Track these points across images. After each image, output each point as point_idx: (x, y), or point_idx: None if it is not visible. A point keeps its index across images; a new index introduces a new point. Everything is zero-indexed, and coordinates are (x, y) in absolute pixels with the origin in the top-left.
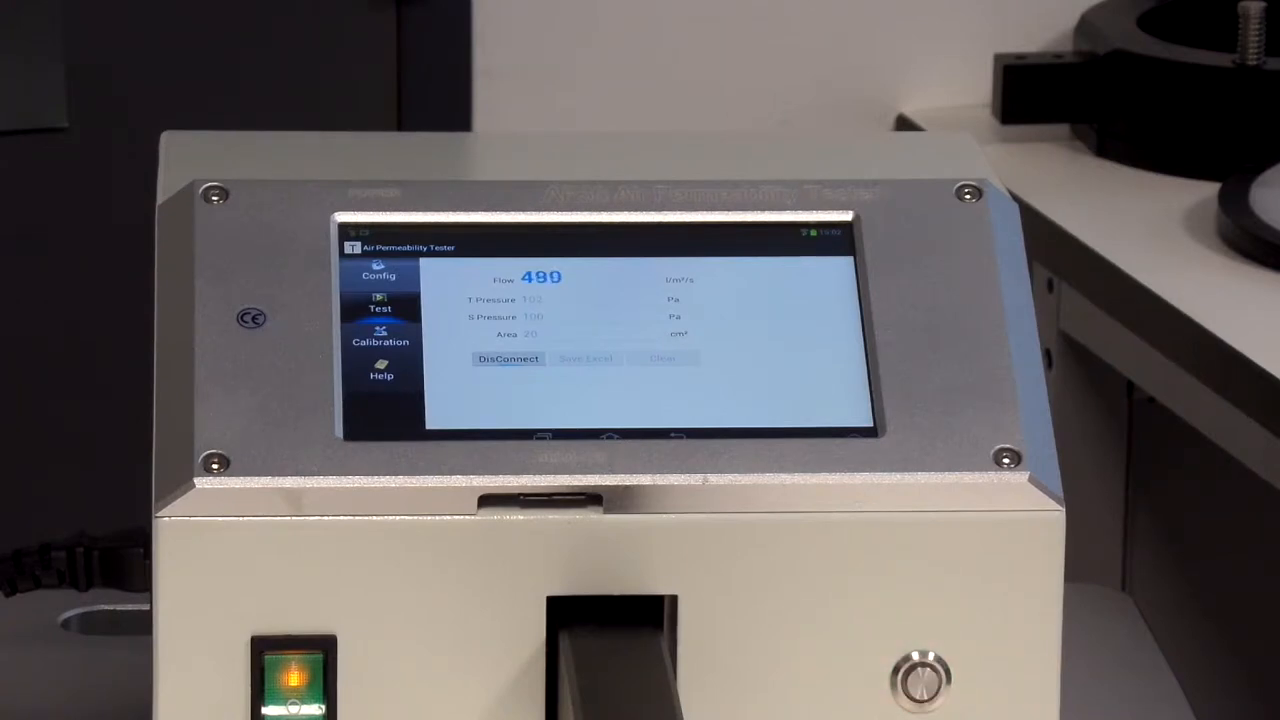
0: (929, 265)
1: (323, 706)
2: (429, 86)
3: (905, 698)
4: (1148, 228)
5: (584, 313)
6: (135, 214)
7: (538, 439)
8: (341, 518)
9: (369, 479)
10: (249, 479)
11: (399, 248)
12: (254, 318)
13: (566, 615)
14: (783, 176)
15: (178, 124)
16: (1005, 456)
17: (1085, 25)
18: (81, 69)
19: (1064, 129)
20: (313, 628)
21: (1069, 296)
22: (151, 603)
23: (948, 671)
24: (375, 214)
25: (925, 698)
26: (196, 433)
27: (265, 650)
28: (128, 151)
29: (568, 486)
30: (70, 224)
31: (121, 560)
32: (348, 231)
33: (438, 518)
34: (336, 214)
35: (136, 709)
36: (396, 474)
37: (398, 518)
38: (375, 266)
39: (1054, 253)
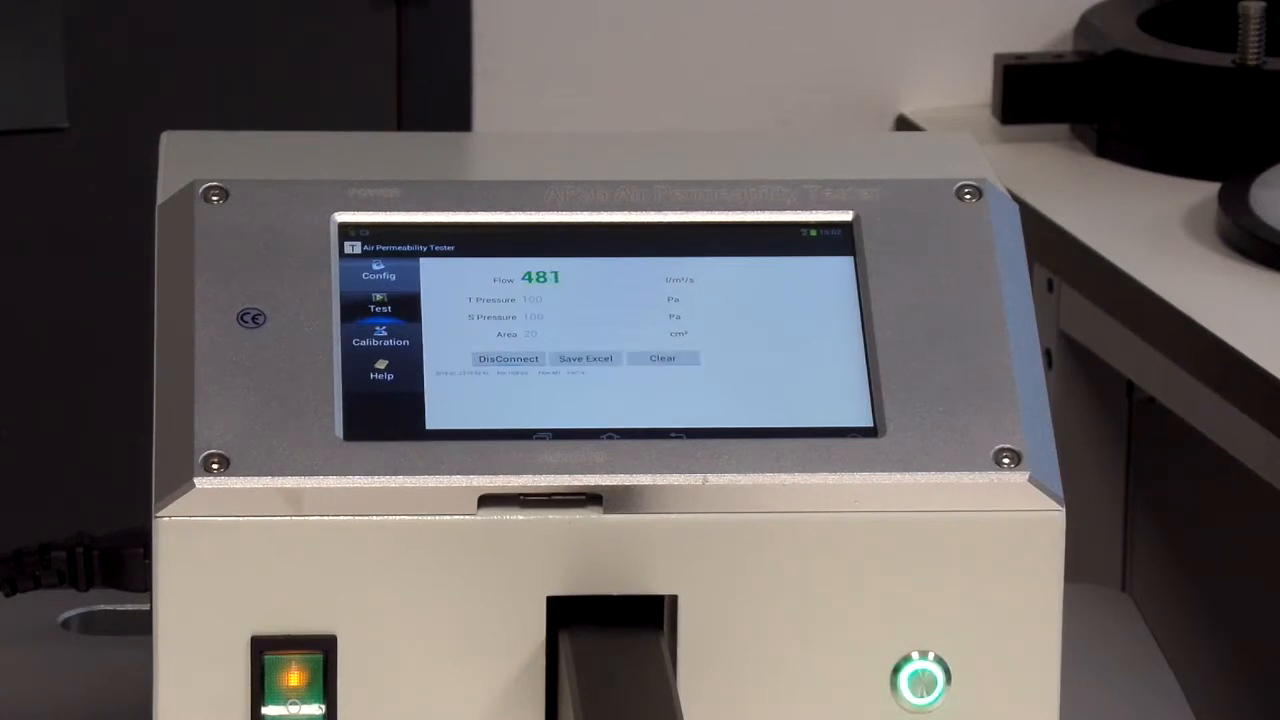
0: (929, 265)
1: (323, 706)
2: (429, 86)
3: (905, 697)
4: (1148, 228)
5: (584, 313)
6: (135, 214)
7: (538, 439)
8: (341, 518)
9: (369, 479)
10: (249, 479)
11: (399, 248)
12: (254, 317)
13: (567, 615)
14: (783, 176)
15: (178, 124)
16: (1005, 456)
17: (1085, 25)
18: (82, 69)
19: (1064, 129)
20: (313, 628)
21: (1069, 296)
22: (151, 603)
23: (948, 671)
24: (375, 214)
25: (925, 698)
26: (196, 432)
27: (265, 650)
28: (128, 151)
29: (568, 486)
30: (71, 224)
31: (122, 560)
32: (348, 231)
33: (438, 518)
34: (336, 214)
35: (137, 709)
36: (396, 474)
37: (398, 518)
38: (375, 266)
39: (1054, 253)
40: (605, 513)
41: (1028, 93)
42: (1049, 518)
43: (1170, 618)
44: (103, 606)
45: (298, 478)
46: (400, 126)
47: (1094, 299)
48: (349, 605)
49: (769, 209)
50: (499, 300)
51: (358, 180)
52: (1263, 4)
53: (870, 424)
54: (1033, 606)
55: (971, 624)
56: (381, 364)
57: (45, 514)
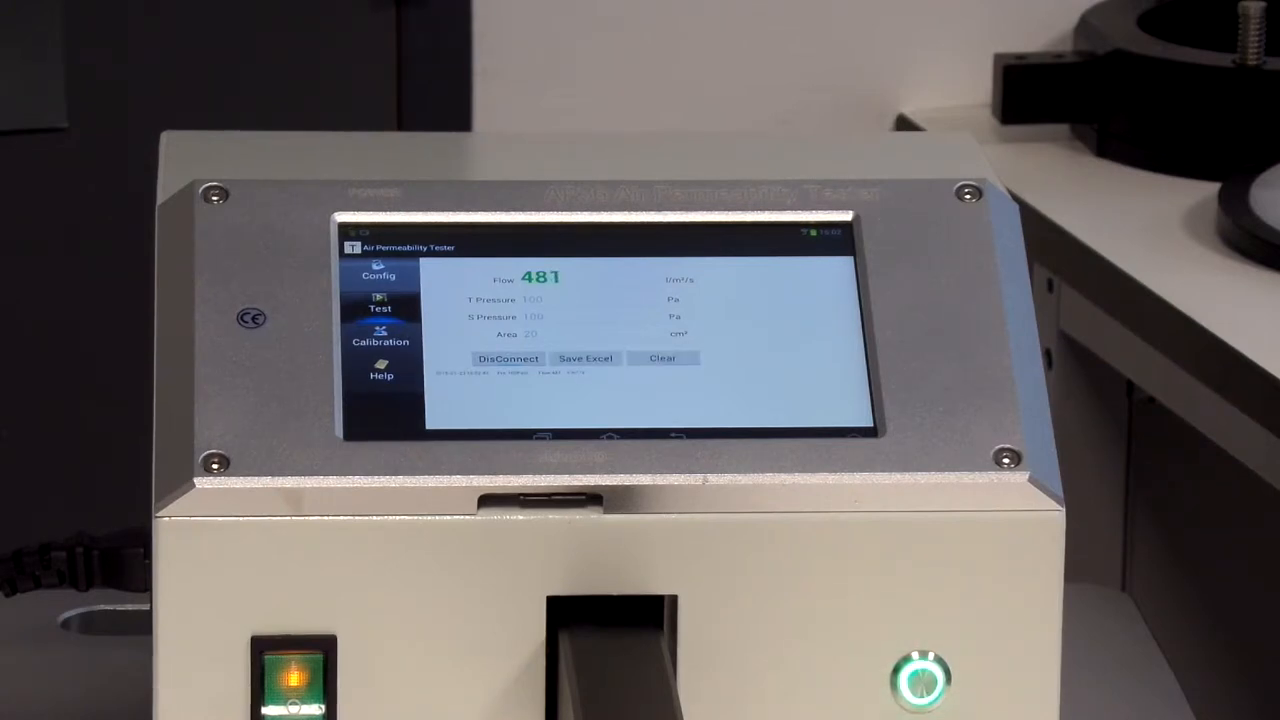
0: (929, 265)
1: (322, 706)
2: (429, 86)
3: (905, 697)
4: (1148, 228)
5: (584, 313)
6: (135, 214)
7: (538, 439)
8: (341, 518)
9: (369, 479)
10: (249, 479)
11: (399, 248)
12: (254, 317)
13: (567, 615)
14: (783, 176)
15: (178, 124)
16: (1005, 456)
17: (1085, 25)
18: (82, 69)
19: (1064, 129)
20: (313, 628)
21: (1069, 296)
22: (151, 603)
23: (948, 671)
24: (375, 214)
25: (925, 698)
26: (196, 432)
27: (265, 650)
28: (128, 151)
29: (568, 486)
30: (71, 224)
31: (122, 560)
32: (348, 231)
33: (438, 518)
34: (336, 214)
35: (137, 709)
36: (396, 474)
37: (398, 518)
38: (375, 266)
39: (1054, 253)
40: (605, 513)
41: (1028, 93)
42: (1049, 518)
43: (1170, 618)
44: (103, 606)
45: (298, 478)
46: (400, 126)
47: (1094, 299)
48: (349, 605)
49: (769, 209)
50: (499, 300)
51: (358, 180)
52: (1263, 4)
53: (870, 424)
54: (1033, 606)
55: (971, 624)
56: (381, 364)
57: (45, 514)
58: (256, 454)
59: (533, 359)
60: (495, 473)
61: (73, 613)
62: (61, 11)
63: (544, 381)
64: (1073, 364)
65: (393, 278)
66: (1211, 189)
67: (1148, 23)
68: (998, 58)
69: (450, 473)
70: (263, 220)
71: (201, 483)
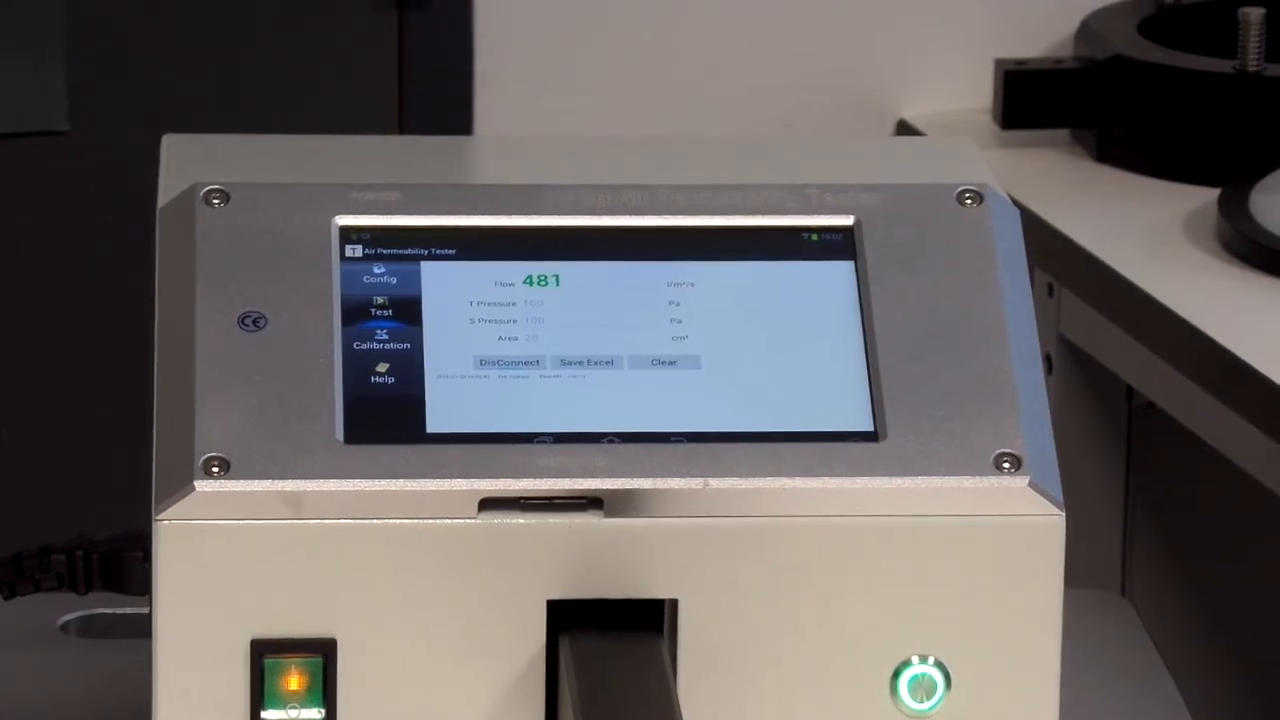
0: (930, 270)
1: (322, 710)
2: (430, 90)
3: (905, 702)
4: (1148, 233)
5: (585, 316)
6: (136, 217)
7: (538, 442)
8: (342, 521)
9: (369, 482)
10: (249, 482)
11: (400, 251)
12: (255, 320)
13: (567, 619)
14: (784, 181)
15: (179, 127)
16: (1005, 461)
17: (1086, 31)
18: (83, 72)
19: (1064, 134)
20: (313, 631)
21: (1069, 301)
22: (151, 606)
23: (948, 676)
24: (376, 217)
25: (925, 702)
26: (197, 435)
27: (265, 654)
28: (128, 154)
29: (568, 490)
30: (71, 227)
31: (121, 563)
32: (349, 235)
33: (438, 521)
34: (337, 217)
35: (136, 713)
36: (397, 477)
37: (398, 521)
38: (376, 270)
39: (1054, 258)
40: (606, 516)
41: (1028, 98)
42: (1049, 522)
43: (1170, 622)
44: (102, 610)
45: (298, 481)
46: (401, 129)
47: (1094, 304)
48: (349, 609)
49: (770, 213)
50: (500, 304)
51: (359, 184)
52: (1263, 10)
53: (871, 428)
54: (1033, 611)
55: (971, 628)
56: (382, 367)
57: (45, 517)
58: (257, 457)
59: (534, 362)
60: (496, 476)
61: (72, 616)
62: (63, 14)
63: (545, 385)
64: (1073, 368)
65: (394, 281)
66: (1211, 194)
67: (1148, 28)
68: (998, 63)
69: (451, 476)
70: (264, 223)
71: (202, 485)
